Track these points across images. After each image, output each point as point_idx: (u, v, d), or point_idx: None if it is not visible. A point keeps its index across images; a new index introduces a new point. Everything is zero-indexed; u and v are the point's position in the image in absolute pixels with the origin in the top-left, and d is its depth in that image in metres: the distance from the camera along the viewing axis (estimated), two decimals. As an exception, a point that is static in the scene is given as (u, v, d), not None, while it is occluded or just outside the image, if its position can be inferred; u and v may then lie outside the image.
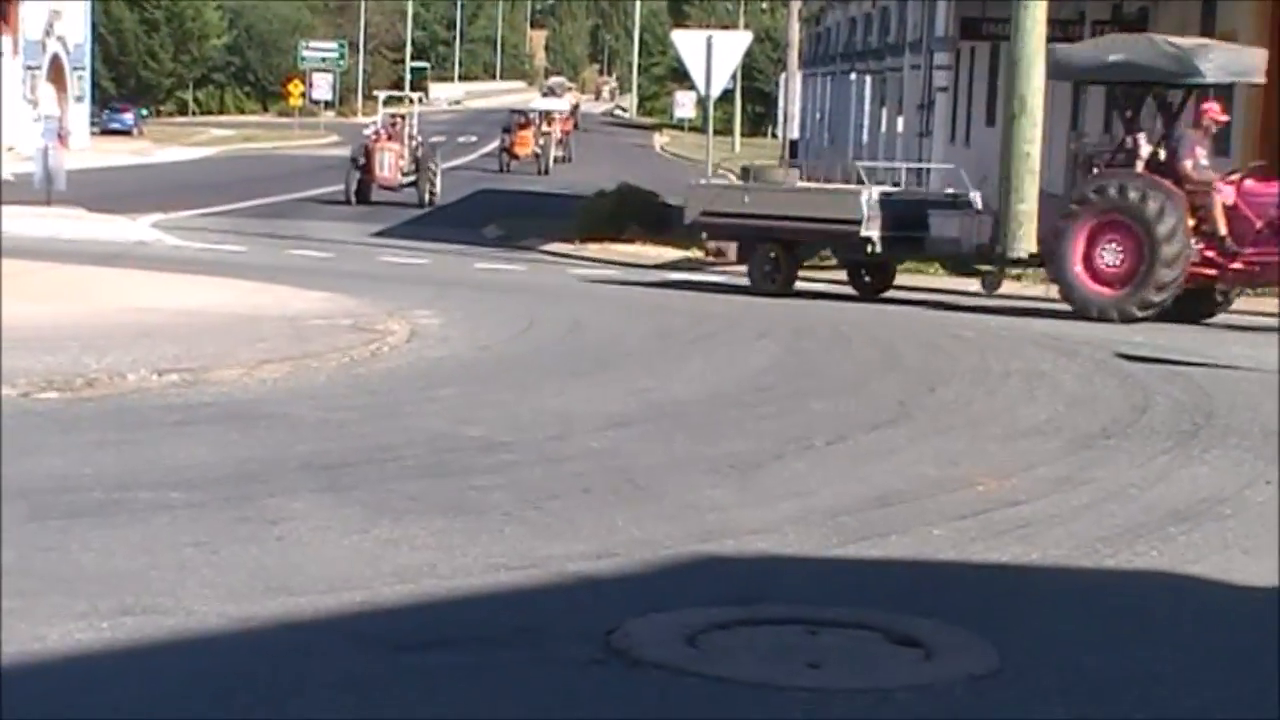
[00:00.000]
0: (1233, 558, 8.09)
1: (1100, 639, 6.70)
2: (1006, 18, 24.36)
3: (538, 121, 66.64)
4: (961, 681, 6.12)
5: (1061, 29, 27.22)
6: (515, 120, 66.29)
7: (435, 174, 43.72)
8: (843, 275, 22.44)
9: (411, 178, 42.12)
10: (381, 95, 53.23)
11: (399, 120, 45.10)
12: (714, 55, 27.59)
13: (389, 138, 43.53)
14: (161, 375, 11.44)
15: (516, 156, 62.86)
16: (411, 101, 53.42)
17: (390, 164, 41.53)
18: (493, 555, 7.47)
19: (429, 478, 9.04)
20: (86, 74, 67.07)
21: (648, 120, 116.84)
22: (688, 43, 28.86)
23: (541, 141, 64.11)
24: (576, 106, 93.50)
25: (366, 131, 46.60)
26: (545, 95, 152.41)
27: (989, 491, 9.38)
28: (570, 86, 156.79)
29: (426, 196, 42.84)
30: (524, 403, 11.83)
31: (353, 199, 41.11)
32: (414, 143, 43.68)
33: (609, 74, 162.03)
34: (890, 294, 22.17)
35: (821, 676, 6.15)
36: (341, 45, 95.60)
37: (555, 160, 66.70)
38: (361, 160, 42.01)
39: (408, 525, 7.91)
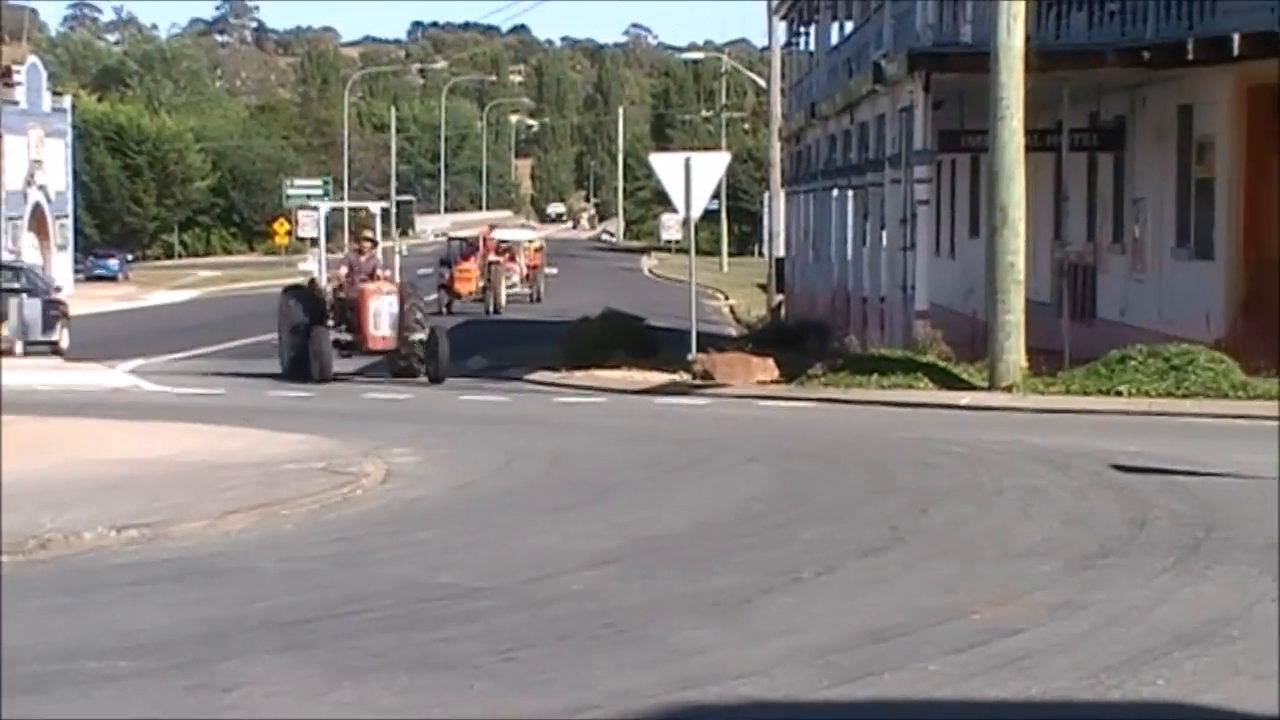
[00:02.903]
0: (1243, 685, 7.66)
1: (1109, 782, 6.28)
2: (984, 129, 24.23)
3: (486, 252, 55.78)
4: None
5: (1039, 139, 27.06)
6: (457, 250, 56.19)
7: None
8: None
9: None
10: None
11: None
12: (693, 177, 27.41)
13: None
14: (120, 532, 11.01)
15: (458, 295, 53.30)
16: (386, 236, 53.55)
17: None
18: (460, 715, 7.03)
19: (396, 631, 8.59)
20: (69, 221, 67.13)
21: (635, 244, 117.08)
22: (666, 165, 28.70)
23: (490, 275, 54.01)
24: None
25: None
26: (552, 221, 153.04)
27: (986, 620, 8.95)
28: (584, 210, 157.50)
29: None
30: (502, 544, 11.41)
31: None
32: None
33: (592, 199, 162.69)
34: (879, 406, 21.76)
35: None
36: (326, 182, 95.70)
37: (529, 298, 58.32)
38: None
39: (369, 686, 7.46)
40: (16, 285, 36.55)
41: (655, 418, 21.83)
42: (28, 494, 12.18)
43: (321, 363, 27.80)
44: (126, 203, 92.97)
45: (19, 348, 33.49)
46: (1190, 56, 24.37)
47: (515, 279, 59.37)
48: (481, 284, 53.44)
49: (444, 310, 49.87)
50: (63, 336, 37.14)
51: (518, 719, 7.02)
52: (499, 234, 63.07)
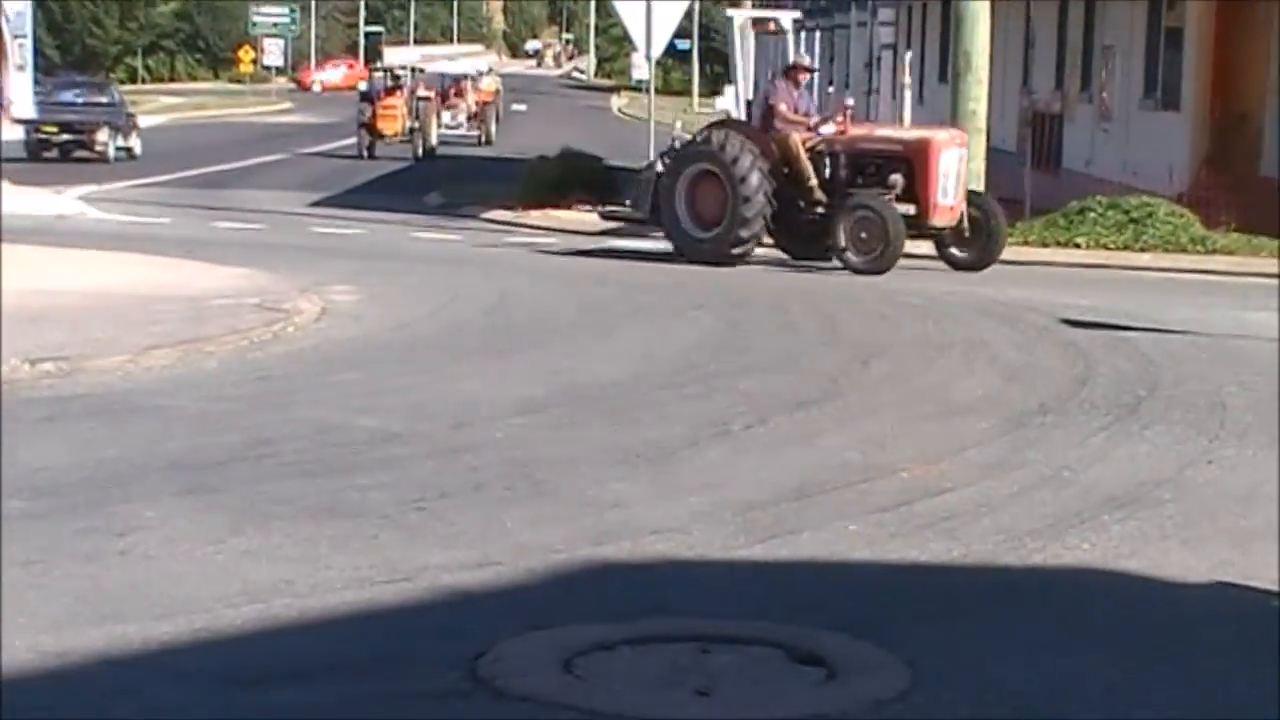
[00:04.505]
0: (1169, 549, 7.51)
1: (1021, 648, 6.12)
2: (952, -28, 23.75)
3: (415, 88, 48.11)
4: (866, 706, 5.51)
5: (1010, -16, 26.58)
6: (379, 85, 48.45)
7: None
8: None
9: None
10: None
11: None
12: (654, 16, 26.89)
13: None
14: (35, 365, 10.71)
15: (381, 135, 45.89)
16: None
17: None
18: (360, 567, 6.82)
19: (307, 477, 8.36)
20: (28, 42, 65.87)
21: (606, 82, 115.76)
22: (627, 4, 28.13)
23: (420, 113, 46.70)
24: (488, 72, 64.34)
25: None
26: (532, 57, 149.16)
27: (914, 479, 8.78)
28: (549, 47, 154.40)
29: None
30: (430, 388, 11.16)
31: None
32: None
33: (564, 35, 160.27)
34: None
35: (709, 706, 5.53)
36: (293, 10, 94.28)
37: (477, 139, 51.98)
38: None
39: (271, 533, 7.25)
40: None
41: (607, 260, 21.50)
42: (-57, 324, 11.86)
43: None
44: (88, 24, 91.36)
45: None
46: (1164, -99, 23.86)
47: (461, 118, 53.52)
48: (410, 124, 46.36)
49: (364, 154, 44.81)
50: None
51: (425, 567, 6.81)
52: (440, 66, 57.70)
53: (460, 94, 54.20)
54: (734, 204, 19.51)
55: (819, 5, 35.56)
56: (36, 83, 56.99)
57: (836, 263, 19.56)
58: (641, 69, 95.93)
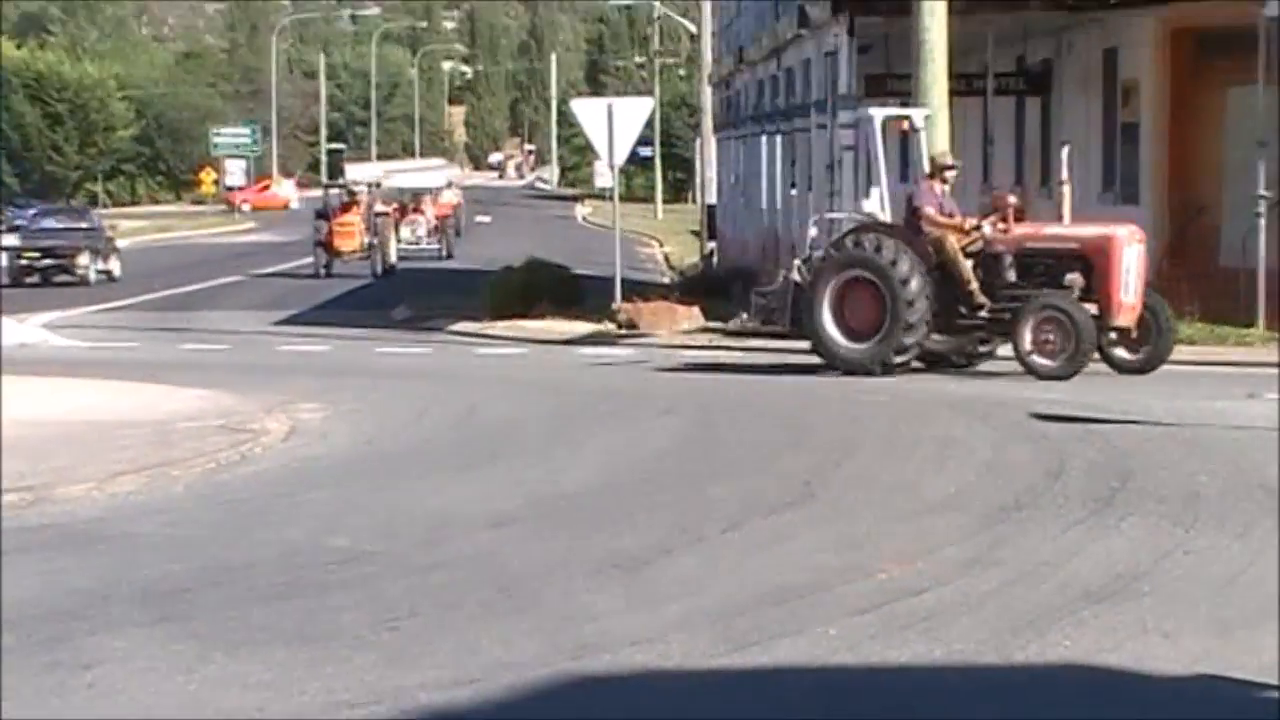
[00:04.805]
0: (1150, 643, 7.43)
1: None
2: (910, 74, 23.92)
3: (372, 202, 47.06)
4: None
5: (965, 83, 26.79)
6: (335, 202, 47.32)
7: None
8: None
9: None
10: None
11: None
12: (615, 123, 27.02)
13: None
14: (-2, 497, 10.60)
15: (339, 252, 44.99)
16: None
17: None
18: (335, 691, 6.71)
19: (278, 599, 8.25)
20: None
21: (570, 191, 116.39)
22: (588, 112, 28.30)
23: (378, 228, 45.29)
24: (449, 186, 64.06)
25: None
26: (495, 169, 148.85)
27: (892, 579, 8.70)
28: (511, 158, 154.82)
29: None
30: (400, 504, 11.06)
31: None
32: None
33: (526, 145, 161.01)
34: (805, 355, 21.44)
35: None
36: (254, 130, 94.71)
37: (438, 254, 50.87)
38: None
39: (244, 660, 7.13)
40: None
41: (576, 369, 21.49)
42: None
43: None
44: (47, 151, 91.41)
45: None
46: (1114, -1, 24.16)
47: (421, 232, 52.66)
48: (367, 239, 45.40)
49: (321, 273, 43.87)
50: None
51: (401, 688, 6.70)
52: (398, 180, 56.75)
53: (419, 208, 53.62)
54: (895, 310, 18.63)
55: (778, 109, 35.81)
56: (18, 208, 57.47)
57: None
58: (605, 176, 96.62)
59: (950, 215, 19.57)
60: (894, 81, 27.67)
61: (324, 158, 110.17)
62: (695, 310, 26.49)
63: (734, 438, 14.28)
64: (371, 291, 39.91)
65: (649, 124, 38.68)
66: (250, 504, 11.06)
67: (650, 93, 78.33)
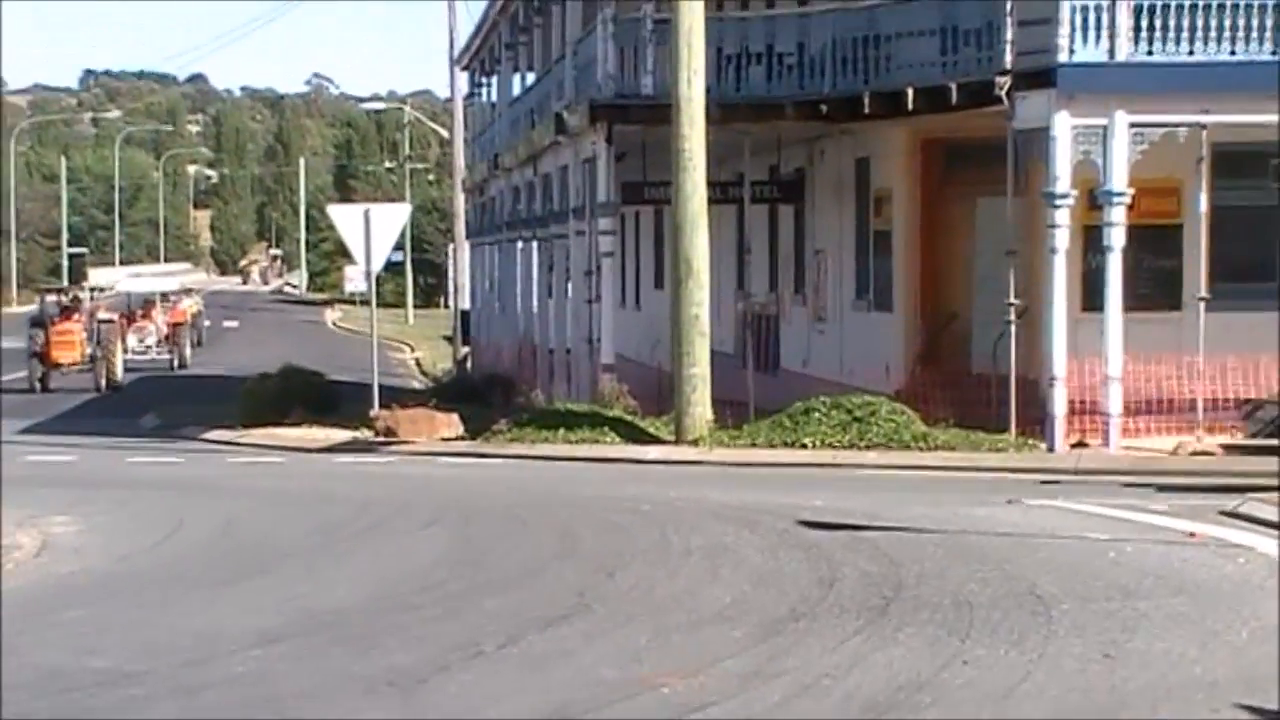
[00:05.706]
0: (939, 756, 7.40)
1: None
2: (667, 181, 24.15)
3: (94, 310, 43.91)
4: None
5: (722, 191, 27.15)
6: (53, 310, 43.19)
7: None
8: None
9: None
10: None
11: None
12: (373, 228, 26.78)
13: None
14: None
15: (57, 364, 41.29)
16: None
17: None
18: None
19: (37, 728, 7.82)
20: None
21: (320, 296, 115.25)
22: (346, 217, 28.02)
23: (101, 338, 41.82)
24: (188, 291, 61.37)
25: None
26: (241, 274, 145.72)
27: (675, 693, 8.57)
28: (255, 263, 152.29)
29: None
30: (162, 622, 10.63)
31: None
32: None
33: (271, 250, 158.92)
34: (566, 462, 21.39)
35: None
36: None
37: (170, 364, 48.02)
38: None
39: (1, 795, 6.71)
40: None
41: (334, 478, 21.08)
42: None
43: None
44: None
45: None
46: (866, 110, 24.69)
47: (150, 340, 49.86)
48: (89, 350, 41.68)
49: (35, 387, 40.29)
50: None
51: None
52: (126, 285, 54.60)
53: (149, 315, 50.92)
54: None
55: (535, 214, 35.91)
56: None
57: None
58: (354, 281, 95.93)
59: None
60: (652, 189, 27.96)
61: (65, 262, 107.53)
62: (454, 417, 26.26)
63: (503, 548, 14.06)
64: (118, 400, 38.81)
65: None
66: (4, 625, 10.52)
67: (399, 197, 78.13)
